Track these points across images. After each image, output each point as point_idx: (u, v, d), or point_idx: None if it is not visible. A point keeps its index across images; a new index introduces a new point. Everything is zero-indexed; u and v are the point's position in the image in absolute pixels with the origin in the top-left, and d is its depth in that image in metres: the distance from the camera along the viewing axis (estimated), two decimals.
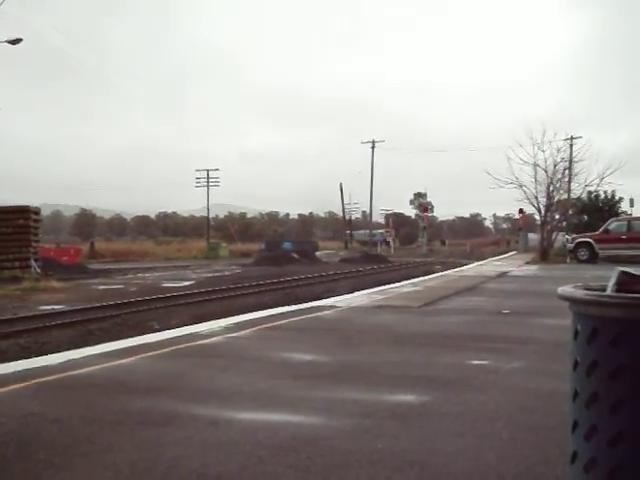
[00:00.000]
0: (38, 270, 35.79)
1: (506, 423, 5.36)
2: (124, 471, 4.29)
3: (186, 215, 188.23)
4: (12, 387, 6.64)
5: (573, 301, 2.63)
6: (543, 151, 43.75)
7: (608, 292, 2.57)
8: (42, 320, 18.01)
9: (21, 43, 35.60)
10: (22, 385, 6.73)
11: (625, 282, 2.56)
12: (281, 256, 57.81)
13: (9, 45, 35.08)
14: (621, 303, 2.45)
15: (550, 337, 10.03)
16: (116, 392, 6.45)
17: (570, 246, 38.72)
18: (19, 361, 9.13)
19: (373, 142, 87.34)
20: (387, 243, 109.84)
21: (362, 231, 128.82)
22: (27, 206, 38.21)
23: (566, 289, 2.67)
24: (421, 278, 26.26)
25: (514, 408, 5.87)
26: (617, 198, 49.86)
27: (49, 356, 9.19)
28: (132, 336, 12.16)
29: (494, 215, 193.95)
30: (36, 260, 37.01)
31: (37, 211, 39.23)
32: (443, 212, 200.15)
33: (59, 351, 10.69)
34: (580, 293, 2.60)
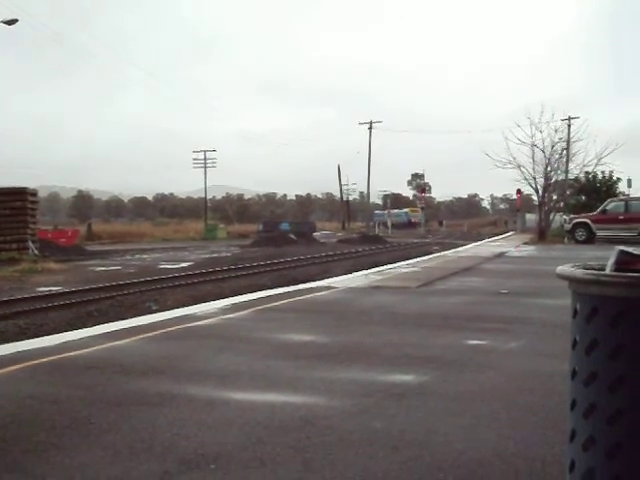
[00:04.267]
0: (36, 252, 35.76)
1: (504, 403, 5.36)
2: (122, 451, 4.29)
3: (183, 196, 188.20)
4: (10, 369, 6.64)
5: (572, 280, 2.61)
6: (541, 131, 43.86)
7: (607, 271, 2.56)
8: (40, 302, 18.01)
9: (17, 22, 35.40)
10: (20, 366, 6.73)
11: (624, 261, 2.54)
12: (279, 237, 57.78)
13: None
14: (621, 282, 2.44)
15: (548, 317, 10.04)
16: (113, 373, 6.44)
17: (568, 227, 38.71)
18: (17, 342, 9.14)
19: (370, 123, 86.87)
20: (415, 223, 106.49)
21: (385, 211, 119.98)
22: (24, 188, 38.12)
23: (565, 268, 2.66)
24: (419, 259, 26.29)
25: (512, 388, 5.88)
26: (615, 178, 49.76)
27: (47, 337, 9.20)
28: (129, 317, 12.18)
29: (492, 196, 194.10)
30: (33, 242, 36.97)
31: (34, 193, 39.14)
32: (441, 193, 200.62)
33: (57, 332, 10.70)
34: (579, 272, 2.58)
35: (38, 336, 10.61)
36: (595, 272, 2.55)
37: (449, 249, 34.99)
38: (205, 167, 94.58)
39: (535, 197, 48.05)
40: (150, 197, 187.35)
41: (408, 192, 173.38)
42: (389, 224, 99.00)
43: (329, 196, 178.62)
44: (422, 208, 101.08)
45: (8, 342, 10.00)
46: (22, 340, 9.86)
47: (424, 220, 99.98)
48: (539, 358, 7.20)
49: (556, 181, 46.22)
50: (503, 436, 4.55)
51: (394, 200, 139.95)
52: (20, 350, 7.64)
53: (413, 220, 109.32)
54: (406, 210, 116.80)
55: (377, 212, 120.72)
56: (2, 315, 15.62)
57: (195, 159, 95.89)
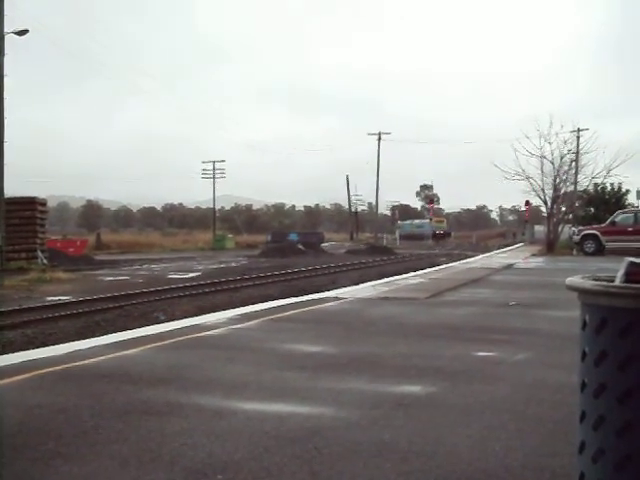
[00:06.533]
0: (44, 261, 35.84)
1: (513, 415, 5.35)
2: (130, 461, 4.29)
3: (192, 207, 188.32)
4: (18, 378, 6.65)
5: (582, 291, 2.61)
6: (550, 143, 43.75)
7: (617, 282, 2.56)
8: (48, 311, 18.05)
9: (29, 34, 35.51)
10: (28, 376, 6.74)
11: (634, 272, 2.54)
12: (287, 248, 57.80)
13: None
14: (630, 293, 2.44)
15: (557, 329, 10.02)
16: (121, 383, 6.45)
17: (576, 238, 38.64)
18: (25, 351, 9.17)
19: (379, 134, 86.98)
20: (442, 236, 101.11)
21: (408, 221, 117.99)
22: (33, 197, 38.26)
23: (574, 279, 2.66)
24: (427, 270, 26.25)
25: (521, 400, 5.86)
26: (624, 190, 49.78)
27: (55, 347, 9.21)
28: (138, 327, 12.17)
29: (500, 207, 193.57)
30: (42, 251, 37.06)
31: (44, 203, 39.28)
32: (449, 204, 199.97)
33: (65, 342, 10.72)
34: (589, 283, 2.58)
35: (46, 345, 10.62)
36: (604, 283, 2.54)
37: (457, 260, 34.94)
38: (214, 177, 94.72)
39: (544, 209, 48.00)
40: (159, 207, 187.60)
41: (417, 203, 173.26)
42: (397, 236, 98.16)
43: (337, 207, 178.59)
44: (430, 219, 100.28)
45: (16, 351, 10.03)
46: (30, 349, 9.88)
47: (432, 231, 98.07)
48: (548, 370, 7.17)
49: (565, 193, 46.15)
50: (512, 447, 4.53)
51: (403, 211, 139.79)
52: (28, 359, 7.65)
53: (437, 232, 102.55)
54: (429, 220, 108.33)
55: (399, 223, 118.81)
56: (11, 324, 15.66)
57: (204, 170, 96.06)
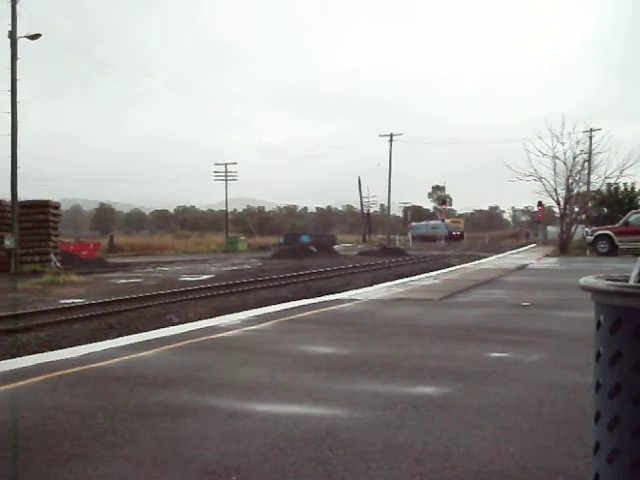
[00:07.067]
0: (58, 264, 36.03)
1: (527, 416, 5.34)
2: (145, 462, 4.31)
3: (204, 209, 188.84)
4: (34, 380, 6.69)
5: (596, 292, 2.60)
6: (562, 143, 43.63)
7: (631, 282, 2.55)
8: (62, 314, 18.13)
9: (41, 37, 35.66)
10: (44, 378, 6.77)
11: None
12: (300, 249, 57.78)
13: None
14: None
15: (570, 330, 10.00)
16: (136, 384, 6.47)
17: (590, 239, 38.53)
18: (40, 354, 9.21)
19: (391, 135, 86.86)
20: (459, 236, 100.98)
21: (424, 222, 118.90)
22: (47, 201, 38.47)
23: (588, 280, 2.65)
24: (440, 271, 26.22)
25: (535, 401, 5.85)
26: (637, 190, 49.49)
27: (69, 349, 9.23)
28: (151, 329, 12.20)
29: (513, 208, 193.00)
30: (56, 254, 37.28)
31: (57, 206, 39.48)
32: (462, 205, 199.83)
33: (79, 344, 10.76)
34: (603, 283, 2.57)
35: (61, 348, 10.65)
36: (619, 283, 2.53)
37: (470, 261, 34.87)
38: (226, 180, 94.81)
39: (557, 209, 47.88)
40: (171, 209, 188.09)
41: (429, 204, 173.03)
42: (410, 237, 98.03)
43: (349, 208, 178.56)
44: (442, 220, 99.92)
45: (31, 354, 10.08)
46: (45, 352, 9.93)
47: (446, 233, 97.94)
48: (562, 370, 7.16)
49: (578, 193, 46.00)
50: (526, 449, 4.52)
51: (415, 212, 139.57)
52: (43, 361, 7.69)
53: (454, 233, 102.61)
54: (446, 221, 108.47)
55: (413, 224, 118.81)
56: (25, 327, 15.73)
57: (216, 172, 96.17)
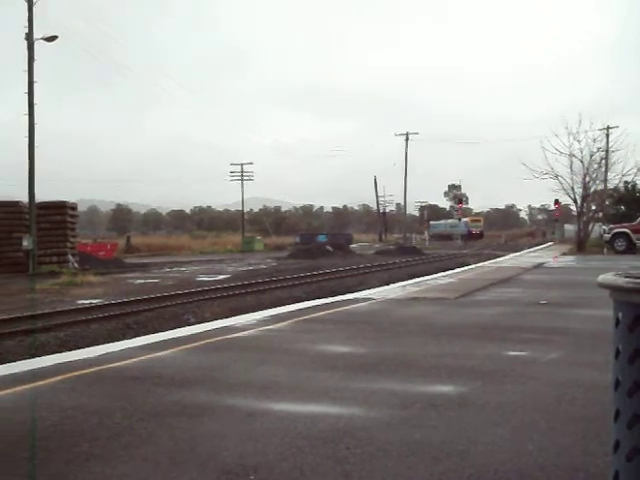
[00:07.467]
0: (75, 265, 36.18)
1: (545, 414, 5.32)
2: (163, 462, 4.32)
3: (221, 209, 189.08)
4: (52, 380, 6.72)
5: (614, 289, 2.59)
6: (579, 141, 43.44)
7: None
8: (80, 314, 18.20)
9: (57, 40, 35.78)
10: (62, 378, 6.80)
11: None
12: (316, 249, 57.76)
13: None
14: None
15: (589, 328, 9.96)
16: (153, 384, 6.49)
17: (607, 237, 38.33)
18: (59, 354, 9.25)
19: (407, 134, 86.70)
20: (479, 235, 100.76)
21: (442, 221, 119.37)
22: (64, 202, 38.65)
23: (607, 277, 2.64)
24: (457, 270, 26.17)
25: (553, 399, 5.82)
26: None
27: (87, 349, 9.27)
28: (168, 329, 12.23)
29: (529, 206, 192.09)
30: (73, 255, 37.45)
31: (74, 207, 39.67)
32: (478, 204, 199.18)
33: (97, 344, 10.80)
34: (621, 281, 2.56)
35: (79, 348, 10.69)
36: (637, 281, 2.52)
37: (487, 260, 34.77)
38: (242, 180, 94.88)
39: (574, 207, 47.74)
40: (188, 210, 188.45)
41: (445, 203, 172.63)
42: (426, 236, 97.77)
43: (365, 207, 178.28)
44: (459, 219, 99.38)
45: (50, 354, 10.13)
46: (63, 352, 9.98)
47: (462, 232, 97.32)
48: (580, 368, 7.13)
49: (595, 191, 45.77)
50: (544, 446, 4.50)
51: (431, 211, 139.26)
52: (61, 361, 7.72)
53: (474, 231, 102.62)
54: (466, 220, 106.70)
55: (432, 223, 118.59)
56: (43, 327, 15.81)
57: (232, 172, 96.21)
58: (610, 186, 47.98)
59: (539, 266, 26.92)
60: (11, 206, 37.07)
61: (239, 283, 27.42)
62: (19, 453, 4.57)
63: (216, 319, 13.52)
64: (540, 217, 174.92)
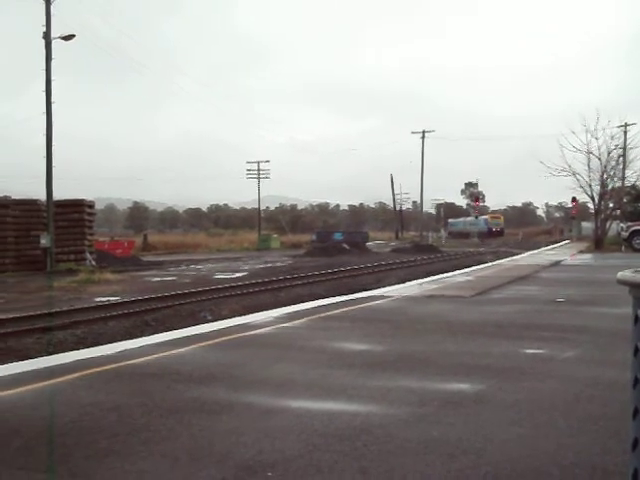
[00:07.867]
0: (93, 262, 36.31)
1: (563, 412, 5.31)
2: (181, 458, 4.34)
3: (237, 207, 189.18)
4: (71, 377, 6.76)
5: (633, 286, 2.59)
6: (597, 138, 43.17)
7: None
8: (98, 311, 18.26)
9: (75, 38, 35.90)
10: (80, 374, 6.85)
11: None
12: (332, 247, 57.71)
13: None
14: None
15: (605, 326, 9.92)
16: (171, 381, 6.52)
17: (625, 234, 38.14)
18: (77, 351, 9.30)
19: (423, 132, 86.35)
20: (498, 233, 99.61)
21: (461, 219, 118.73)
22: (82, 200, 38.77)
23: (626, 274, 2.63)
24: (473, 267, 26.12)
25: (571, 397, 5.81)
26: None
27: (105, 346, 9.32)
28: (186, 326, 12.26)
29: (546, 204, 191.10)
30: (91, 253, 37.59)
31: (91, 205, 39.79)
32: (494, 202, 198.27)
33: (115, 341, 10.85)
34: None
35: (97, 345, 10.75)
36: None
37: (504, 258, 34.68)
38: (259, 178, 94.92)
39: (591, 205, 47.45)
40: (204, 208, 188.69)
41: (461, 201, 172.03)
42: (443, 233, 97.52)
43: (382, 205, 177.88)
44: (476, 217, 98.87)
45: (68, 351, 10.18)
46: (81, 349, 10.03)
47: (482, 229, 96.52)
48: (597, 367, 7.11)
49: (612, 188, 45.49)
50: (562, 445, 4.50)
51: (448, 209, 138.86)
52: (80, 358, 7.77)
53: (494, 229, 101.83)
54: (486, 217, 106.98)
55: (450, 220, 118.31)
56: (62, 325, 15.88)
57: (249, 170, 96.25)
58: (628, 183, 47.70)
59: (556, 264, 26.82)
60: (29, 204, 37.23)
61: (256, 281, 27.44)
62: (39, 448, 4.61)
63: (233, 316, 13.53)
64: (557, 215, 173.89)
